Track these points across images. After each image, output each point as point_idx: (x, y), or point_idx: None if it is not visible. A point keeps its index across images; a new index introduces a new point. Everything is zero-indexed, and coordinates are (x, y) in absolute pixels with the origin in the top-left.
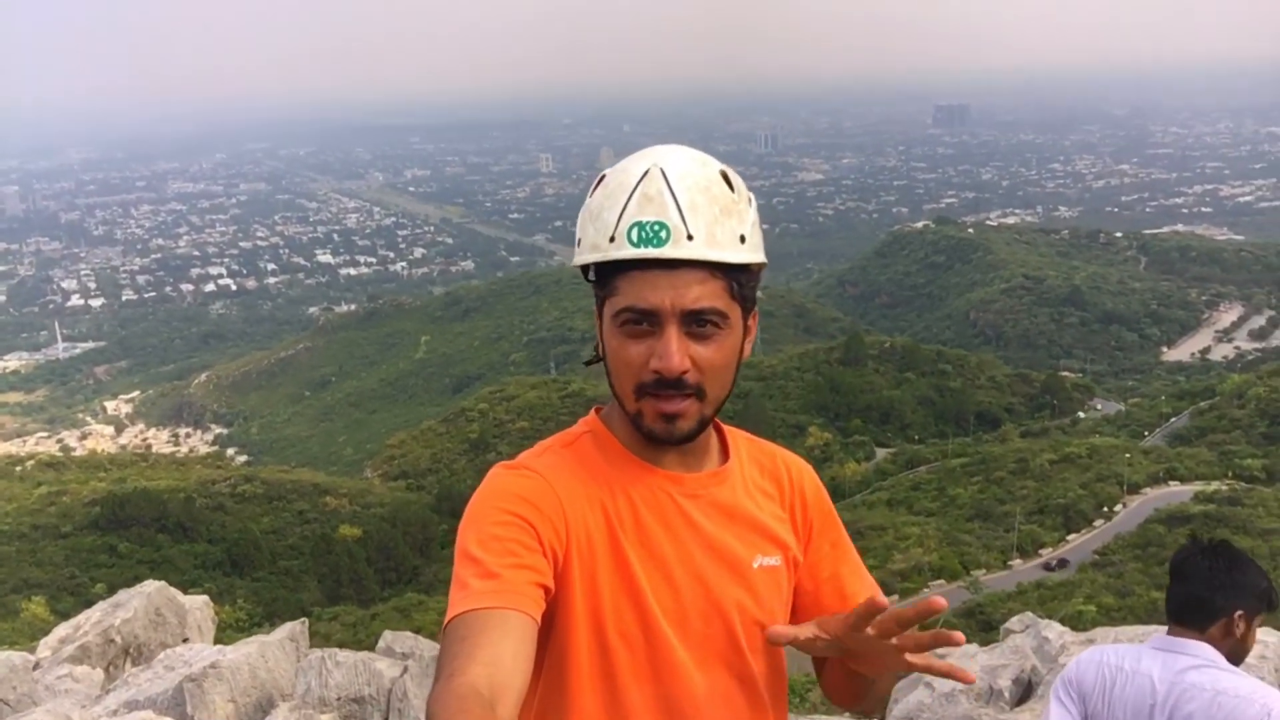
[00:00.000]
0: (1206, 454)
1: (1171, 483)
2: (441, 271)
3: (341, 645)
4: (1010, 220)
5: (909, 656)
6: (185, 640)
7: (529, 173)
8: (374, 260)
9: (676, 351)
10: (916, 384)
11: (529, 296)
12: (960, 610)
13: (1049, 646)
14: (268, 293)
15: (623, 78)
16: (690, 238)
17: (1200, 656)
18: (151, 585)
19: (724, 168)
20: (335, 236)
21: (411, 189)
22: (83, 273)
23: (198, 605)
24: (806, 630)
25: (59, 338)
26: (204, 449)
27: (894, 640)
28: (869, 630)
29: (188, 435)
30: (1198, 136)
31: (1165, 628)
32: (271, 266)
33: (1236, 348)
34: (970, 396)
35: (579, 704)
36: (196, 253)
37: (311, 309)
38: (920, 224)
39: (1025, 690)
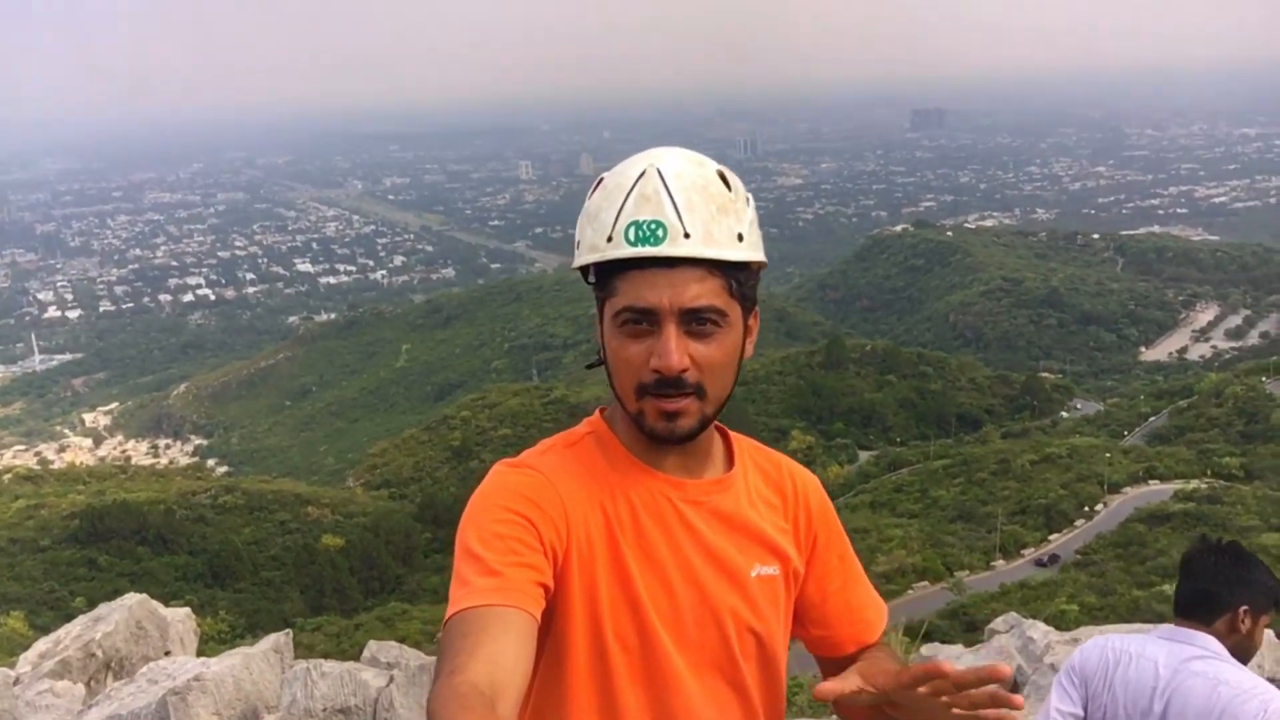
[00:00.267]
0: (1185, 453)
1: (1151, 482)
2: (422, 279)
3: (326, 656)
4: (988, 223)
5: (963, 714)
6: (167, 653)
7: (509, 179)
8: (354, 269)
9: (675, 350)
10: (898, 387)
11: (510, 303)
12: (944, 612)
13: (1034, 646)
14: (247, 302)
15: (603, 84)
16: (687, 236)
17: (1205, 648)
18: (132, 598)
19: (721, 168)
20: (314, 245)
21: (391, 197)
22: (59, 284)
23: (179, 618)
24: (851, 683)
25: (36, 350)
26: (184, 460)
27: (945, 698)
28: (922, 689)
29: (167, 447)
30: (1172, 138)
31: (1149, 626)
32: (250, 276)
33: (1213, 347)
34: (951, 398)
35: (574, 704)
36: (174, 263)
37: (291, 318)
38: (899, 227)
39: (1011, 690)
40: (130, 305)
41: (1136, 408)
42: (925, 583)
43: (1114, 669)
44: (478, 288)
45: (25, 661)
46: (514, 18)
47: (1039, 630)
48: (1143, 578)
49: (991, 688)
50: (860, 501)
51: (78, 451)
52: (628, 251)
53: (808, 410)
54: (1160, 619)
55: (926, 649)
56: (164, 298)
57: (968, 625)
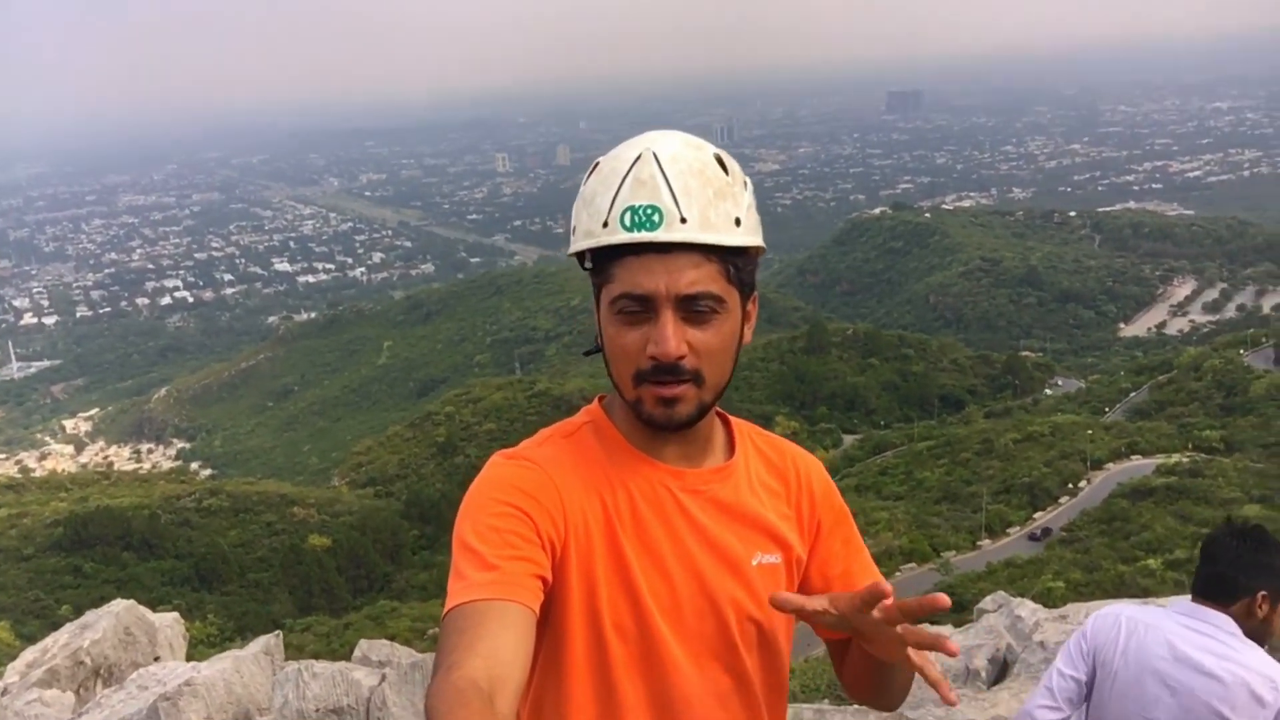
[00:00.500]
0: (1166, 427)
1: (1134, 457)
2: (401, 275)
3: (316, 656)
4: (966, 203)
5: (911, 653)
6: (157, 659)
7: (486, 173)
8: (332, 267)
9: (672, 336)
10: (880, 369)
11: (490, 297)
12: (932, 592)
13: (1022, 624)
14: (225, 304)
15: (578, 75)
16: (684, 221)
17: (1220, 626)
18: (120, 604)
19: (719, 151)
20: (292, 244)
21: (367, 193)
22: (35, 290)
23: (168, 623)
24: (817, 602)
25: (13, 357)
26: (167, 464)
27: (898, 629)
28: (875, 614)
29: (150, 451)
30: (1146, 114)
31: (1165, 600)
32: (228, 277)
33: (1191, 321)
34: (933, 380)
35: (574, 696)
36: (151, 266)
37: (271, 318)
38: (877, 210)
39: (1001, 669)
40: (107, 310)
41: (1117, 384)
42: (913, 565)
43: (1128, 638)
44: (458, 282)
45: (13, 671)
46: (487, 10)
47: (1027, 608)
48: (1127, 553)
49: (931, 632)
50: (846, 485)
51: (59, 459)
52: (623, 237)
53: (791, 396)
54: (1145, 593)
55: None
56: (141, 301)
57: (956, 605)
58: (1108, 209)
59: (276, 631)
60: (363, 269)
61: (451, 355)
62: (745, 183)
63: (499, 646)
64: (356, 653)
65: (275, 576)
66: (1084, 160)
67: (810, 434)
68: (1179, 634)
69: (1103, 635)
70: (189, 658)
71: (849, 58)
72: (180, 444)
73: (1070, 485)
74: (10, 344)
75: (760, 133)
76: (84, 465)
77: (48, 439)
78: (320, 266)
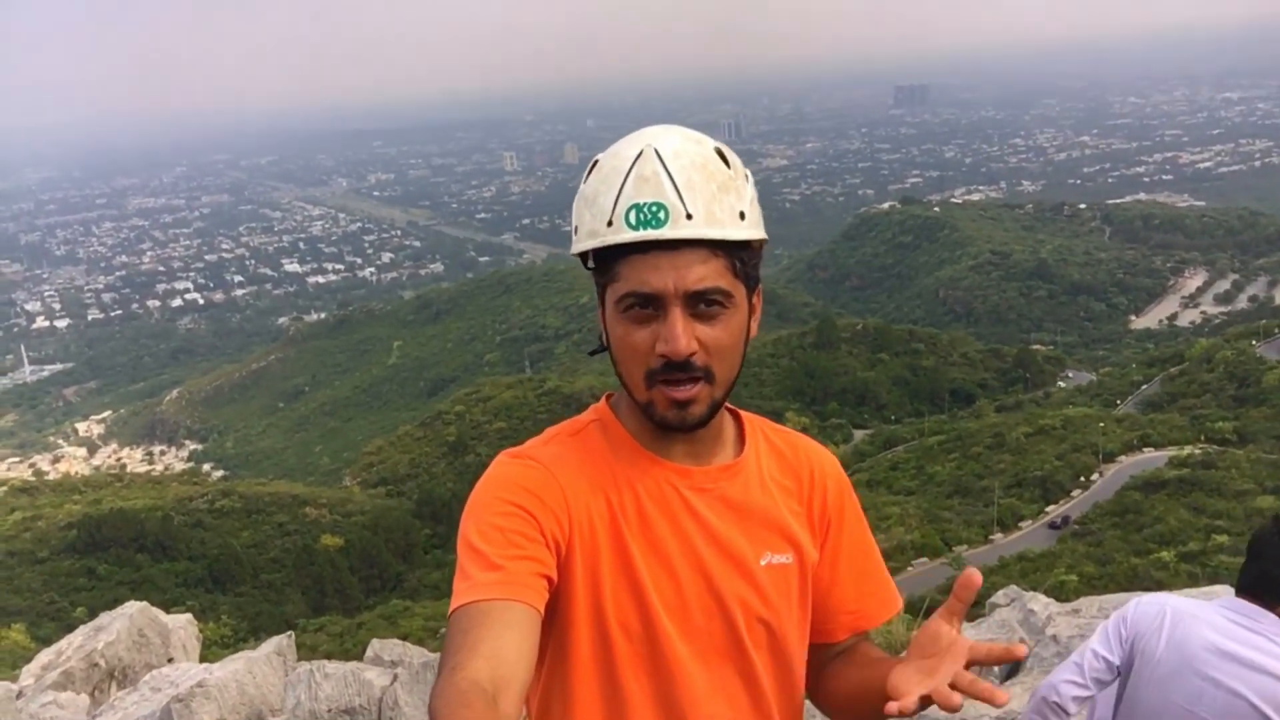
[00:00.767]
0: (1178, 419)
1: (1146, 449)
2: (410, 275)
3: (329, 656)
4: (975, 197)
5: (941, 692)
6: (170, 660)
7: (494, 172)
8: (342, 267)
9: (682, 334)
10: (890, 364)
11: (500, 296)
12: (944, 587)
13: (1035, 619)
14: (236, 305)
15: (586, 73)
16: (689, 217)
17: (1263, 624)
18: (133, 606)
19: (719, 145)
20: (301, 245)
21: (376, 194)
22: (46, 294)
23: (181, 624)
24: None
25: (25, 361)
26: (179, 466)
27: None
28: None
29: (162, 453)
30: (1155, 105)
31: (1206, 590)
32: (238, 278)
33: (1203, 312)
34: (944, 374)
35: (580, 694)
36: (161, 268)
37: (281, 319)
38: (886, 205)
39: (1013, 664)
40: (119, 312)
41: (1128, 376)
42: (924, 559)
43: (1172, 628)
44: (467, 281)
45: (28, 674)
46: (493, 9)
47: (1040, 602)
48: (1140, 545)
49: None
50: (857, 480)
51: (72, 461)
52: (630, 236)
53: (801, 391)
54: (1159, 586)
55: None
56: (152, 303)
57: None
58: (1118, 201)
59: (288, 632)
60: (372, 269)
61: (461, 354)
62: (747, 176)
63: (502, 647)
64: (369, 653)
65: (288, 577)
66: (1094, 152)
67: (821, 429)
68: (1225, 628)
69: (1145, 623)
70: (202, 659)
71: (856, 53)
72: (192, 445)
73: (1082, 478)
74: (23, 347)
75: (768, 129)
76: (97, 468)
77: (60, 442)
78: (330, 267)
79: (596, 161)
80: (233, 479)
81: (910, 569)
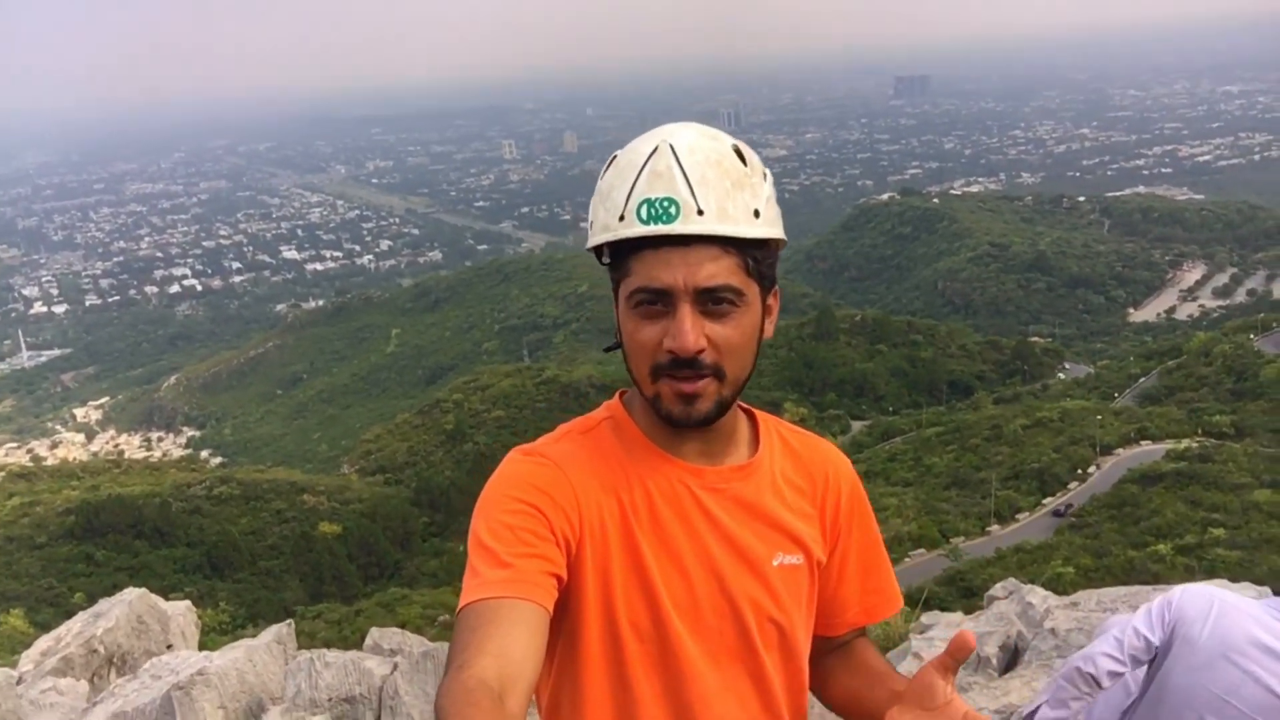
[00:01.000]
0: (1176, 412)
1: (1143, 442)
2: (409, 263)
3: (327, 643)
4: (974, 189)
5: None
6: (169, 647)
7: (493, 159)
8: (340, 254)
9: (690, 330)
10: (889, 355)
11: (498, 284)
12: (941, 578)
13: (1033, 611)
14: (234, 291)
15: (586, 61)
16: (701, 213)
17: None
18: (132, 593)
19: (737, 142)
20: (299, 232)
21: (374, 181)
22: (44, 279)
23: (180, 611)
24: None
25: (23, 346)
26: (177, 452)
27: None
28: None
29: (160, 439)
30: (1155, 98)
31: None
32: (236, 265)
33: (1201, 306)
34: (942, 366)
35: (590, 693)
36: (159, 254)
37: (279, 306)
38: (885, 196)
39: (1012, 657)
40: (116, 298)
41: (1126, 369)
42: (922, 550)
43: (1217, 618)
44: (465, 270)
45: (27, 660)
46: None
47: (1038, 595)
48: (1137, 538)
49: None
50: (854, 471)
51: (70, 447)
52: (639, 230)
53: (799, 382)
54: (1156, 579)
55: (926, 617)
56: (150, 289)
57: (965, 591)
58: (1117, 194)
59: (288, 620)
60: (370, 256)
61: (460, 342)
62: (765, 174)
63: (510, 645)
64: (368, 641)
65: (286, 564)
66: (1093, 145)
67: (819, 420)
68: (1271, 626)
69: (1191, 610)
70: (201, 646)
71: (856, 43)
72: (190, 432)
73: (1080, 471)
74: (20, 333)
75: (768, 119)
76: (95, 453)
77: (58, 427)
78: (328, 254)
79: (614, 157)
80: (231, 466)
81: (908, 560)
